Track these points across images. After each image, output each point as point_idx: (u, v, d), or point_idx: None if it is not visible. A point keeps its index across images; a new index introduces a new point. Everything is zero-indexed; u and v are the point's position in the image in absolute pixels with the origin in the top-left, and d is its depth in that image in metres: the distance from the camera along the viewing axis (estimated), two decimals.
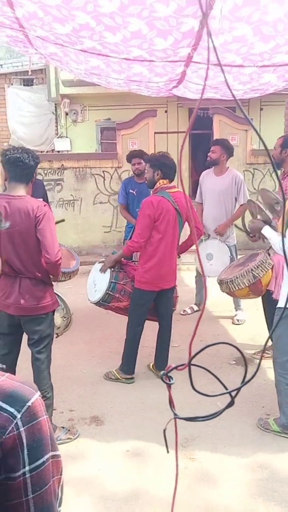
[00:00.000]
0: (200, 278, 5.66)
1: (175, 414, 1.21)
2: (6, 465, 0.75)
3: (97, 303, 4.10)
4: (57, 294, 3.29)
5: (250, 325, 5.27)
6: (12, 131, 13.18)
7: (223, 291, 3.94)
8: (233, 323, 5.39)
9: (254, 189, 8.42)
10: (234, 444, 3.20)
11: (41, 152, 12.60)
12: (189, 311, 5.73)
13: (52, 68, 11.67)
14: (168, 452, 1.32)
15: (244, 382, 1.11)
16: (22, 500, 0.76)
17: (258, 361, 4.36)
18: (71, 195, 8.81)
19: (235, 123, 8.47)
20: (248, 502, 2.65)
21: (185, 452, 3.12)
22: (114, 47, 3.34)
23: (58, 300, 3.29)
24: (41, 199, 3.92)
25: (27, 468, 0.77)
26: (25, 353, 3.25)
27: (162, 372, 1.22)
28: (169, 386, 1.18)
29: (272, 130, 11.36)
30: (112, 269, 4.10)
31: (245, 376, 1.12)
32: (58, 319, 3.45)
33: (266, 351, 4.37)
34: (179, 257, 4.31)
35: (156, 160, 4.05)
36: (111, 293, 4.03)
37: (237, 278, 3.63)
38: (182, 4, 2.63)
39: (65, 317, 3.50)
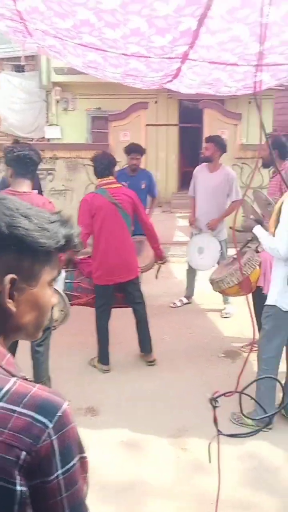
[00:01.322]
0: (191, 271, 5.75)
1: (218, 431, 1.38)
2: (41, 470, 0.83)
3: None
4: (54, 289, 3.34)
5: (238, 319, 5.35)
6: (3, 118, 13.08)
7: (214, 290, 4.04)
8: (221, 316, 5.48)
9: (243, 183, 8.49)
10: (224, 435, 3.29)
11: (32, 140, 12.54)
12: (178, 304, 5.81)
13: (44, 56, 11.58)
14: (210, 461, 1.65)
15: (280, 407, 1.25)
16: (57, 500, 0.85)
17: (245, 354, 4.47)
18: (63, 185, 8.81)
19: (224, 117, 8.53)
20: (239, 490, 2.75)
21: (178, 443, 3.21)
22: (112, 43, 3.37)
23: (56, 294, 3.35)
24: (36, 191, 3.98)
25: (59, 471, 0.84)
26: (23, 346, 3.29)
27: (210, 397, 1.36)
28: (214, 408, 1.32)
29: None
30: (66, 269, 4.24)
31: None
32: (56, 312, 3.53)
33: (254, 345, 4.47)
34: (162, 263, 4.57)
35: (91, 160, 4.33)
36: (67, 292, 4.19)
37: (226, 277, 3.73)
38: (182, 4, 2.68)
39: (62, 311, 3.57)
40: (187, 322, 5.32)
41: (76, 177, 8.81)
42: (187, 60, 3.46)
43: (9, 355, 0.96)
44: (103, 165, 4.14)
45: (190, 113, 12.09)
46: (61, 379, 3.89)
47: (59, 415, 0.86)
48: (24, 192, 3.18)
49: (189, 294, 5.89)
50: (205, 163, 5.46)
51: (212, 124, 8.49)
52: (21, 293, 0.95)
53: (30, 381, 0.93)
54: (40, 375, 3.18)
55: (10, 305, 0.94)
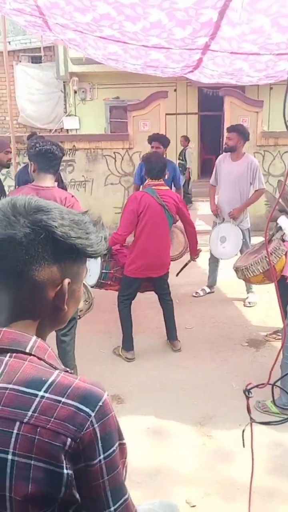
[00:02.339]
0: (214, 260, 5.77)
1: (251, 419, 1.45)
2: (85, 455, 0.91)
3: (92, 287, 4.34)
4: None
5: (261, 307, 5.38)
6: (20, 109, 13.15)
7: (239, 278, 4.06)
8: (244, 305, 5.50)
9: (265, 171, 8.46)
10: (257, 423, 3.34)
11: (50, 131, 12.62)
12: (201, 293, 5.84)
13: (61, 46, 11.58)
14: (244, 446, 1.66)
15: None
16: (99, 482, 0.93)
17: (270, 342, 4.50)
18: (83, 176, 8.88)
19: (245, 105, 8.46)
20: (265, 478, 2.79)
21: (203, 430, 3.27)
22: (133, 36, 3.39)
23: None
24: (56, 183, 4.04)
25: (101, 456, 0.92)
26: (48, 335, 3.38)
27: (244, 389, 1.44)
28: (248, 398, 1.40)
29: (282, 109, 11.33)
30: (103, 259, 4.37)
31: None
32: (80, 302, 3.61)
33: (278, 333, 4.50)
34: (194, 260, 4.74)
35: (142, 160, 4.37)
36: (103, 281, 4.39)
37: (251, 265, 3.75)
38: None
39: (87, 301, 3.66)
40: (210, 311, 5.35)
41: (96, 167, 8.87)
42: (208, 51, 3.46)
43: (50, 349, 1.03)
44: (158, 168, 4.23)
45: (210, 100, 11.99)
46: (86, 368, 3.98)
47: (100, 405, 0.93)
48: (47, 187, 3.23)
49: (211, 284, 5.92)
50: (227, 152, 5.46)
51: (233, 111, 8.43)
52: (71, 293, 1.04)
53: (70, 373, 1.00)
54: (67, 364, 3.27)
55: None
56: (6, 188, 8.62)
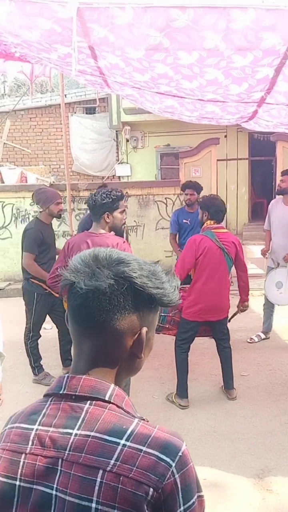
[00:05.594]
0: (269, 306, 5.70)
1: None
2: (166, 506, 0.90)
3: None
4: None
5: None
6: (75, 157, 13.71)
7: None
8: None
9: None
10: None
11: (103, 178, 13.05)
12: (256, 339, 5.73)
13: (114, 97, 12.09)
14: None
15: None
16: None
17: None
18: (134, 221, 9.07)
19: None
20: None
21: (262, 483, 3.17)
22: (189, 92, 3.55)
23: None
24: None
25: (182, 508, 0.92)
26: None
27: None
28: None
29: None
30: None
31: None
32: None
33: None
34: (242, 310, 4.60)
35: (204, 203, 4.35)
36: (161, 324, 4.33)
37: None
38: (259, 55, 2.79)
39: None
40: (266, 358, 5.25)
41: (147, 212, 9.06)
42: (263, 104, 3.56)
43: (127, 397, 1.04)
44: (221, 211, 4.26)
45: (261, 145, 12.11)
46: (139, 414, 3.95)
47: (180, 455, 0.93)
48: (100, 233, 3.43)
49: (267, 329, 5.81)
50: (280, 196, 5.47)
51: (286, 156, 8.46)
52: (147, 340, 1.06)
53: (147, 421, 1.01)
54: None
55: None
56: (60, 233, 8.99)
